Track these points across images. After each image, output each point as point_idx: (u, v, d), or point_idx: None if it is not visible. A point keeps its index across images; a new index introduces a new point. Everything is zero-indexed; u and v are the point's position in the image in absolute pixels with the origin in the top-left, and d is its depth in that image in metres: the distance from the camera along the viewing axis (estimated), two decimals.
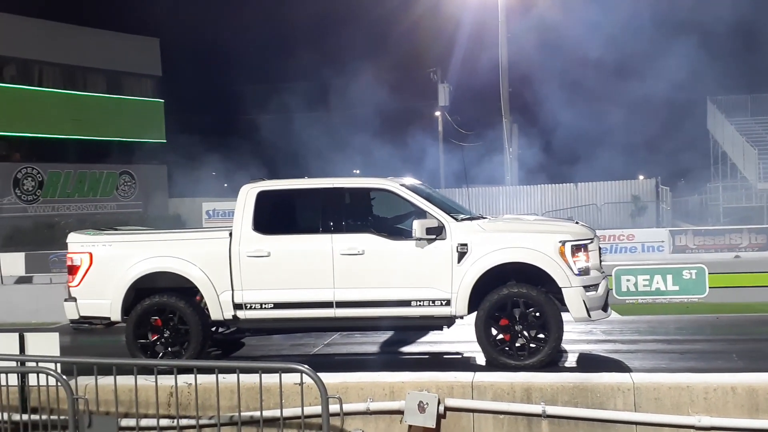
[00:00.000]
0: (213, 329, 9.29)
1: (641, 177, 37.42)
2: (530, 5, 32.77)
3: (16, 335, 7.88)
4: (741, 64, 35.82)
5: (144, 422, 7.46)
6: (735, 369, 8.17)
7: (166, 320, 8.94)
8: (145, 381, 7.34)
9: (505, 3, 31.51)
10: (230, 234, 8.97)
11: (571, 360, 9.33)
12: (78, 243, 9.26)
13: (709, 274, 13.77)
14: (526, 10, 32.89)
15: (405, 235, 8.76)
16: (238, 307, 8.86)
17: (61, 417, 7.22)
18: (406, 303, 8.58)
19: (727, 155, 39.05)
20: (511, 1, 32.27)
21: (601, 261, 8.95)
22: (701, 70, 35.49)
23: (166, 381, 7.32)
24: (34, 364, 7.48)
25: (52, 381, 7.15)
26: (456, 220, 8.70)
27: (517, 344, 8.46)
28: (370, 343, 10.89)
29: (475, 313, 8.56)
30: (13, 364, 7.69)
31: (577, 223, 9.41)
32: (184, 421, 7.39)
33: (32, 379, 7.54)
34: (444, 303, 8.53)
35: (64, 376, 7.10)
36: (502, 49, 31.71)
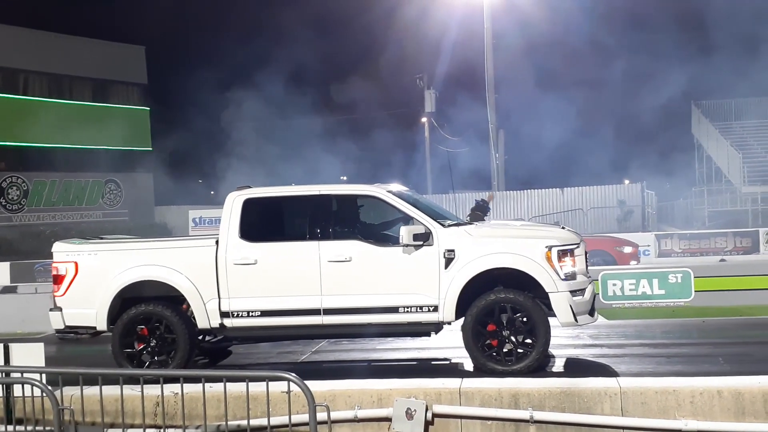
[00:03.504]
0: (200, 338, 9.25)
1: (627, 181, 37.59)
2: (515, 12, 32.92)
3: (1, 345, 7.82)
4: (724, 68, 36.09)
5: None
6: (721, 372, 8.21)
7: (152, 329, 8.89)
8: (132, 391, 7.30)
9: (490, 10, 31.64)
10: (217, 242, 8.94)
11: (558, 365, 9.35)
12: (63, 252, 9.21)
13: (694, 277, 13.83)
14: (511, 17, 33.04)
15: (392, 241, 8.76)
16: (225, 315, 8.83)
17: (47, 428, 7.18)
18: (394, 309, 8.57)
19: (711, 159, 39.31)
20: (497, 9, 32.39)
21: (587, 265, 8.99)
22: (685, 74, 35.77)
23: (153, 390, 7.29)
24: (19, 374, 7.43)
25: (37, 392, 7.10)
26: (443, 226, 8.71)
27: (505, 349, 8.47)
28: (358, 350, 10.88)
29: (463, 318, 8.57)
30: None
31: (563, 228, 9.45)
32: (170, 431, 7.35)
33: (17, 389, 7.48)
34: (431, 309, 8.54)
35: (50, 387, 7.04)
36: (488, 55, 31.84)
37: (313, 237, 8.82)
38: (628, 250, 20.98)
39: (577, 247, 8.73)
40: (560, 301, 8.40)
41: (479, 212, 14.98)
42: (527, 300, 8.45)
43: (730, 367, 8.81)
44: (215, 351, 10.16)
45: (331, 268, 8.65)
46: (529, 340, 8.49)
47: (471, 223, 9.47)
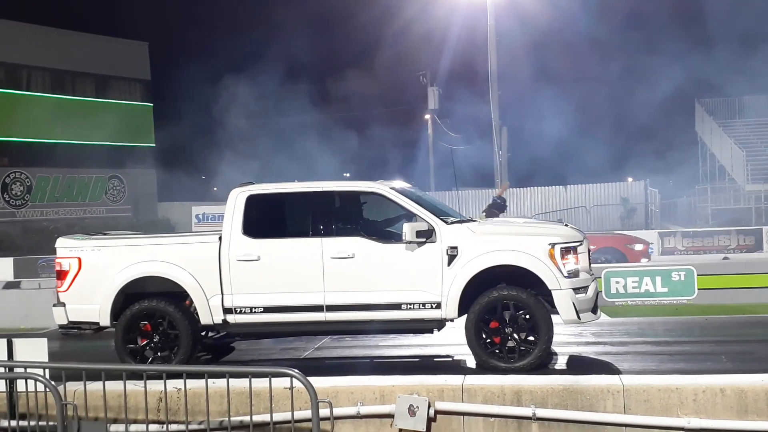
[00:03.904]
0: (203, 334, 9.26)
1: (630, 179, 37.57)
2: (519, 9, 32.85)
3: (4, 341, 7.83)
4: (728, 66, 36.02)
5: (133, 428, 7.43)
6: (724, 370, 8.20)
7: (155, 325, 8.90)
8: (135, 386, 7.31)
9: (494, 7, 31.56)
10: (220, 238, 8.94)
11: (560, 362, 9.35)
12: (67, 248, 9.21)
13: (697, 275, 13.83)
14: (515, 13, 32.97)
15: (395, 238, 8.76)
16: (227, 311, 8.84)
17: (50, 423, 7.18)
18: (397, 306, 8.57)
19: (715, 157, 39.26)
20: (500, 5, 32.31)
21: (590, 263, 8.98)
22: (690, 72, 35.71)
23: (156, 386, 7.29)
24: (22, 369, 7.43)
25: (40, 387, 7.10)
26: (446, 223, 8.71)
27: (507, 347, 8.48)
28: (361, 346, 10.89)
29: (466, 315, 8.57)
30: (1, 370, 7.63)
31: (566, 225, 9.43)
32: (173, 427, 7.37)
33: (20, 385, 7.49)
34: (434, 306, 8.54)
35: (53, 382, 7.05)
36: (491, 52, 31.75)
37: (316, 233, 8.82)
38: (639, 247, 20.90)
39: (580, 244, 8.72)
40: (563, 298, 8.39)
41: (496, 210, 15.06)
42: (530, 297, 8.45)
43: (733, 365, 8.81)
44: (218, 347, 10.18)
45: (333, 265, 8.65)
46: (531, 338, 8.48)
47: (474, 220, 9.47)
